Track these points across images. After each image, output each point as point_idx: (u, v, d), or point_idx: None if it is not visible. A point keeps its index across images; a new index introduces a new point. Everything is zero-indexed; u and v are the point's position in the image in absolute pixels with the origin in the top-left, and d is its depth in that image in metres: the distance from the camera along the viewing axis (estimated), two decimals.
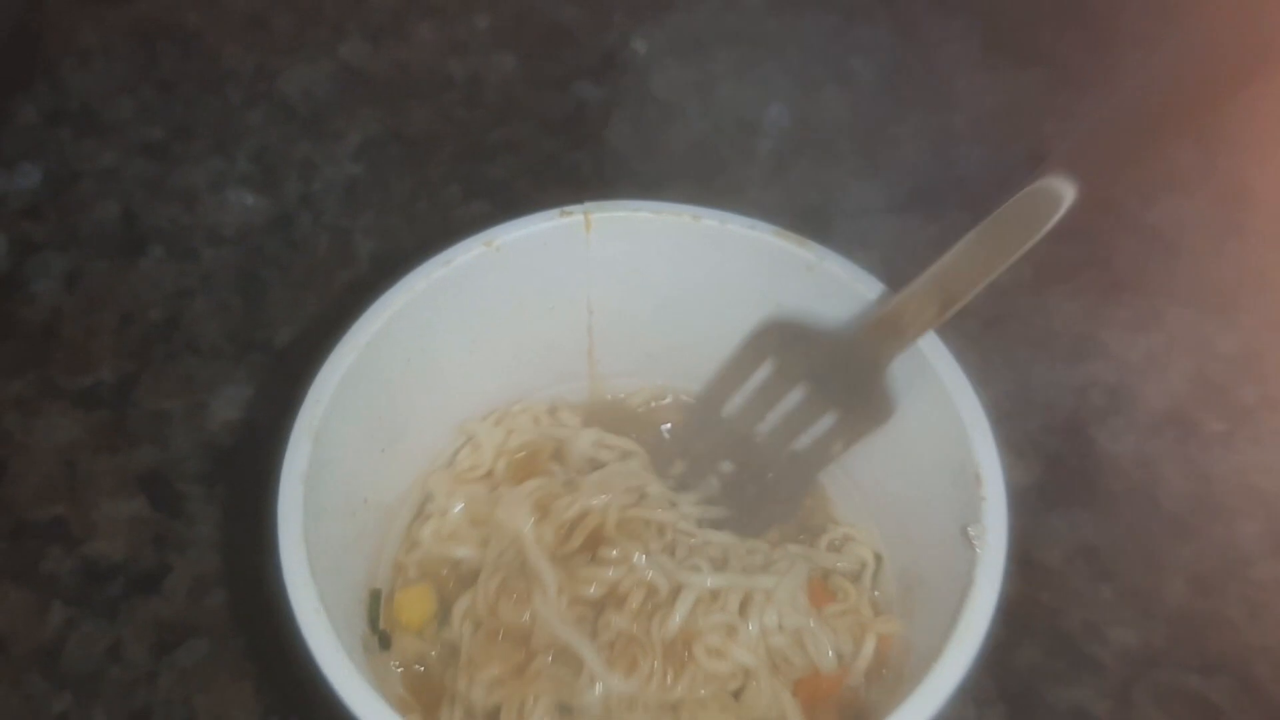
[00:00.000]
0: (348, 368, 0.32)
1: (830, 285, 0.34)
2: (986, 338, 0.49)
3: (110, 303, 0.49)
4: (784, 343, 0.36)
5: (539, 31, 0.59)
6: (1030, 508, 0.45)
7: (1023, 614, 0.42)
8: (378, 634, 0.35)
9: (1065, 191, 0.31)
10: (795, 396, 0.36)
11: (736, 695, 0.33)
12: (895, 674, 0.33)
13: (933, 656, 0.27)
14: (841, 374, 0.34)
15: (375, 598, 0.35)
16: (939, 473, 0.32)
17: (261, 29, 0.59)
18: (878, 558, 0.36)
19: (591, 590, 0.33)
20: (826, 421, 0.35)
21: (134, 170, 0.53)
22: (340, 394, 0.32)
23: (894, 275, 0.35)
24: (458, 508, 0.36)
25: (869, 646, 0.34)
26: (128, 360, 0.47)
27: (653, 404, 0.40)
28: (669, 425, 0.39)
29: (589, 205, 0.35)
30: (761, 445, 0.36)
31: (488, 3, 0.60)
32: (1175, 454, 0.46)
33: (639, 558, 0.33)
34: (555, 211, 0.35)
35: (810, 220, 0.40)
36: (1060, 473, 0.45)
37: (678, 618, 0.32)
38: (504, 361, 0.37)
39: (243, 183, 0.53)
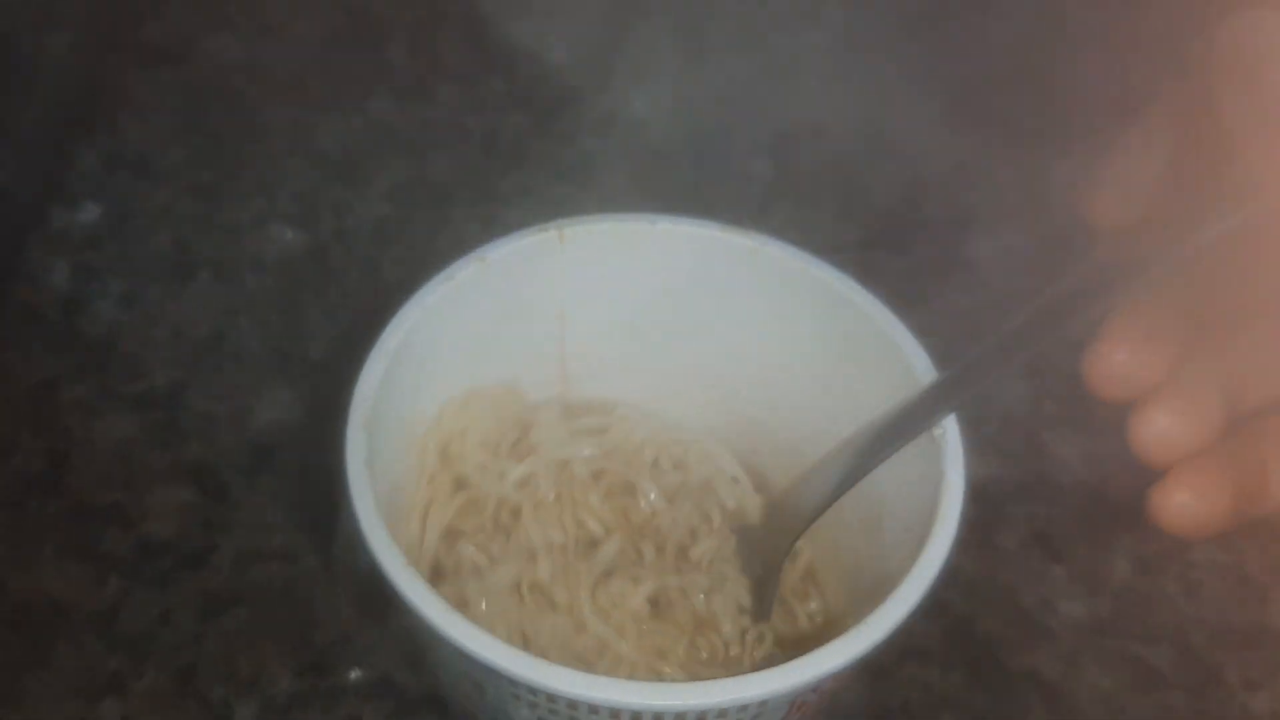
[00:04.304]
0: (381, 375, 0.36)
1: (771, 266, 0.39)
2: (949, 357, 0.54)
3: (162, 320, 0.54)
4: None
5: (549, 93, 0.66)
6: (990, 498, 0.50)
7: (983, 591, 0.47)
8: None
9: None
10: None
11: None
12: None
13: (917, 542, 0.32)
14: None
15: None
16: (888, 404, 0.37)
17: (299, 90, 0.65)
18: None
19: None
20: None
21: (184, 208, 0.59)
22: (377, 399, 0.36)
23: None
24: None
25: None
26: (178, 369, 0.53)
27: None
28: None
29: (561, 221, 0.40)
30: None
31: (502, 68, 0.67)
32: (1119, 455, 0.51)
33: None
34: (535, 228, 0.40)
35: None
36: (1016, 469, 0.51)
37: None
38: (493, 366, 0.42)
39: (283, 219, 0.59)
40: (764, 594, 0.38)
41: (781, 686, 0.30)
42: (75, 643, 0.44)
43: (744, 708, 0.30)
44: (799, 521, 0.37)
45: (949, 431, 0.35)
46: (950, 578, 0.47)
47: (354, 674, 0.44)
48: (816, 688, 0.32)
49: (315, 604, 0.46)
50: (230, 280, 0.56)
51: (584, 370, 0.44)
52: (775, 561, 0.38)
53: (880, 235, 0.60)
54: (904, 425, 0.35)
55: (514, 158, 0.63)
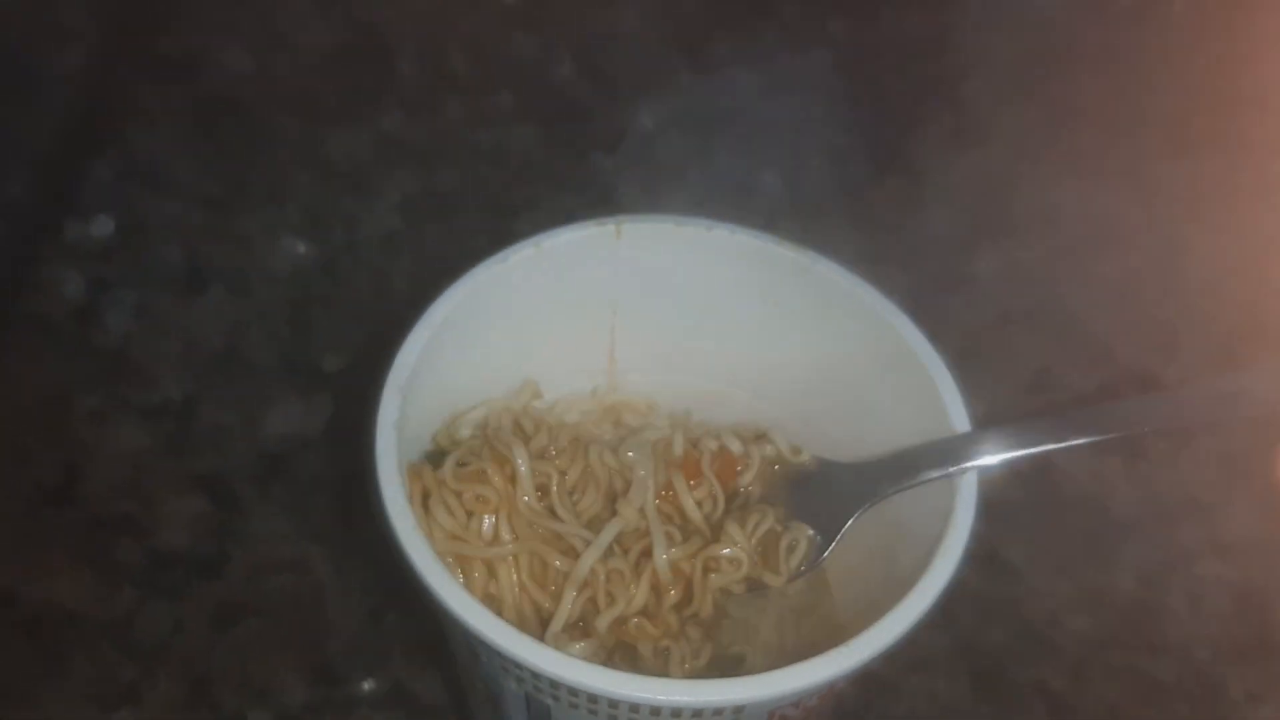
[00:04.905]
0: (425, 343, 0.37)
1: (821, 284, 0.40)
2: (956, 370, 0.54)
3: (175, 332, 0.55)
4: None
5: (557, 107, 0.66)
6: (997, 513, 0.50)
7: (990, 604, 0.47)
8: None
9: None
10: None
11: None
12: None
13: (927, 552, 0.33)
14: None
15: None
16: (918, 434, 0.37)
17: (310, 103, 0.66)
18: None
19: None
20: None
21: (196, 220, 0.60)
22: (417, 368, 0.37)
23: None
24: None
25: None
26: (190, 381, 0.53)
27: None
28: None
29: (620, 217, 0.41)
30: None
31: (512, 82, 0.67)
32: (1125, 470, 0.52)
33: None
34: (593, 221, 0.41)
35: None
36: (1023, 485, 0.51)
37: None
38: (540, 350, 0.42)
39: (293, 232, 0.59)
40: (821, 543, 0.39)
41: (751, 696, 0.30)
42: (90, 652, 0.45)
43: (719, 711, 0.31)
44: (855, 503, 0.38)
45: (966, 480, 0.35)
46: (957, 591, 0.48)
47: (366, 684, 0.44)
48: (798, 702, 0.32)
49: (327, 614, 0.46)
50: (241, 292, 0.57)
51: (631, 363, 0.44)
52: (833, 527, 0.38)
53: (886, 251, 0.60)
54: (942, 460, 0.36)
55: (523, 171, 0.63)
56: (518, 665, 0.31)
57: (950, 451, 0.36)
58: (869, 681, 0.45)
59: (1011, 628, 0.47)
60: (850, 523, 0.37)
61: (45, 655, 0.44)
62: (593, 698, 0.31)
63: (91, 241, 0.59)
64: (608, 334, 0.43)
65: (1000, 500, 0.50)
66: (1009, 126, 0.66)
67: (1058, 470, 0.51)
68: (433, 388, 0.38)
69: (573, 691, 0.31)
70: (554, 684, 0.31)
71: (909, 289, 0.58)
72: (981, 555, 0.48)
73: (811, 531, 0.38)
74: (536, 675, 0.31)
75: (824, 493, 0.39)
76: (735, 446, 0.40)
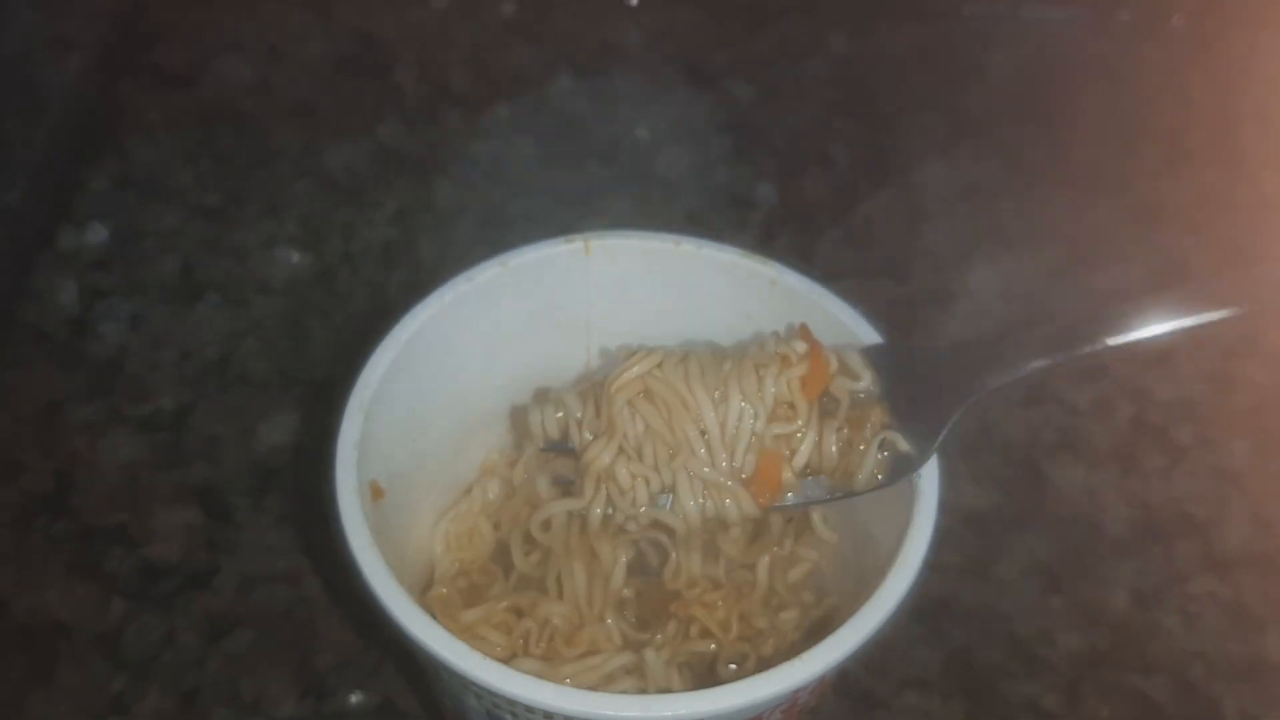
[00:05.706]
0: (389, 363, 0.37)
1: (789, 296, 0.40)
2: None
3: (170, 342, 0.55)
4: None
5: (554, 120, 0.66)
6: (990, 528, 0.50)
7: (982, 621, 0.47)
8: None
9: None
10: None
11: None
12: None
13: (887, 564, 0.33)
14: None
15: None
16: None
17: (308, 114, 0.66)
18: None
19: None
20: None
21: (193, 230, 0.60)
22: (382, 387, 0.37)
23: None
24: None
25: None
26: (185, 391, 0.53)
27: None
28: None
29: (588, 234, 0.41)
30: None
31: (509, 95, 0.67)
32: (1118, 485, 0.52)
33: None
34: (561, 239, 0.41)
35: None
36: (1016, 499, 0.51)
37: None
38: (515, 372, 0.42)
39: (290, 242, 0.59)
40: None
41: (702, 710, 0.30)
42: (79, 663, 0.45)
43: None
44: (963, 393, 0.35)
45: (925, 480, 0.35)
46: (949, 607, 0.48)
47: (355, 698, 0.44)
48: (759, 716, 0.32)
49: (318, 627, 0.46)
50: (237, 302, 0.57)
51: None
52: (930, 430, 0.36)
53: (882, 264, 0.60)
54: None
55: (519, 183, 0.63)
56: (466, 680, 0.31)
57: (1057, 337, 0.35)
58: (860, 698, 0.45)
59: (1004, 645, 0.47)
60: (953, 420, 0.35)
61: (34, 665, 0.44)
62: (548, 715, 0.31)
63: (87, 250, 0.59)
64: (584, 351, 0.43)
65: (993, 516, 0.50)
66: (1006, 140, 0.66)
67: (1050, 486, 0.51)
68: (401, 407, 0.38)
69: (529, 709, 0.31)
70: (511, 701, 0.31)
71: (903, 301, 0.59)
72: (974, 572, 0.49)
73: (906, 446, 0.36)
74: (492, 692, 0.31)
75: (919, 385, 0.36)
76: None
